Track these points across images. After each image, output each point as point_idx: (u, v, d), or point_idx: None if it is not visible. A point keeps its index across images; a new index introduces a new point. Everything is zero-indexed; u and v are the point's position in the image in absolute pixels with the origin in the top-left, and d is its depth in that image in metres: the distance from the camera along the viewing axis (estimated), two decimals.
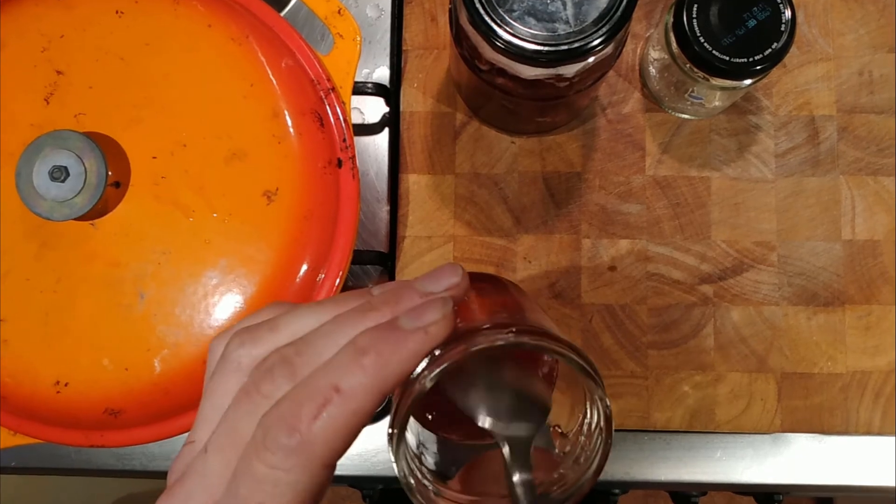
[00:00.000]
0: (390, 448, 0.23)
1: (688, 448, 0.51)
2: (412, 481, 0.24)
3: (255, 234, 0.41)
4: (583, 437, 0.26)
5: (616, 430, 0.51)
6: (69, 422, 0.42)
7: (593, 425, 0.25)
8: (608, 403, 0.24)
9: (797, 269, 0.51)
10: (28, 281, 0.41)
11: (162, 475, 0.53)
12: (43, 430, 0.42)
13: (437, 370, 0.22)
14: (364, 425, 0.22)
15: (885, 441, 0.51)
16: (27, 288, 0.41)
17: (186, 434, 0.27)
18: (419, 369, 0.22)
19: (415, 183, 0.53)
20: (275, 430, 0.22)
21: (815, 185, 0.52)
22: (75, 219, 0.38)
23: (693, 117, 0.52)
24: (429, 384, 0.22)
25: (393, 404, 0.23)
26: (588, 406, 0.26)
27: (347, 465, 0.52)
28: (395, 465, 0.23)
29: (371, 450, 0.52)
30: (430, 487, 0.25)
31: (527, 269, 0.52)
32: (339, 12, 0.43)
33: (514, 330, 0.23)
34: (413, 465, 0.24)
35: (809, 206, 0.52)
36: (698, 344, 0.51)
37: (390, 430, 0.23)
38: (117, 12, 0.42)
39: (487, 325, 0.24)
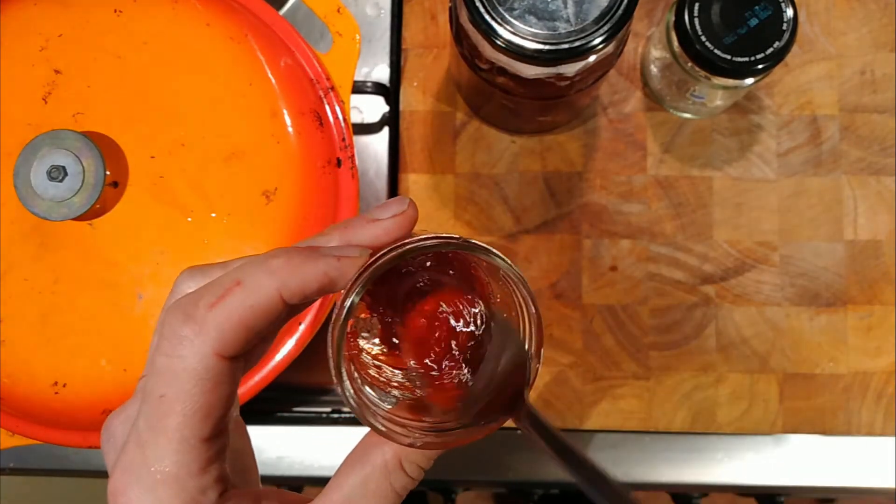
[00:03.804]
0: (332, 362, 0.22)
1: (689, 449, 0.51)
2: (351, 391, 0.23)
3: (254, 233, 0.41)
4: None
5: (617, 432, 0.51)
6: (67, 423, 0.42)
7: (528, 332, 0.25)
8: (531, 297, 0.23)
9: (799, 270, 0.51)
10: (26, 281, 0.41)
11: None
12: (41, 431, 0.42)
13: (359, 282, 0.22)
14: (263, 328, 0.22)
15: (887, 442, 0.51)
16: (25, 288, 0.41)
17: None
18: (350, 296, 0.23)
19: (414, 182, 0.53)
20: (171, 318, 0.22)
21: (818, 185, 0.52)
22: (73, 219, 0.38)
23: (695, 117, 0.52)
24: (355, 297, 0.22)
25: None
26: (521, 317, 0.25)
27: None
28: (331, 365, 0.22)
29: None
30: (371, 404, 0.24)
31: (527, 269, 0.51)
32: (338, 11, 0.43)
33: (421, 238, 0.23)
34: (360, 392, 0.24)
35: (811, 206, 0.52)
36: (700, 345, 0.51)
37: (330, 344, 0.22)
38: (116, 11, 0.42)
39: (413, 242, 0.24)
